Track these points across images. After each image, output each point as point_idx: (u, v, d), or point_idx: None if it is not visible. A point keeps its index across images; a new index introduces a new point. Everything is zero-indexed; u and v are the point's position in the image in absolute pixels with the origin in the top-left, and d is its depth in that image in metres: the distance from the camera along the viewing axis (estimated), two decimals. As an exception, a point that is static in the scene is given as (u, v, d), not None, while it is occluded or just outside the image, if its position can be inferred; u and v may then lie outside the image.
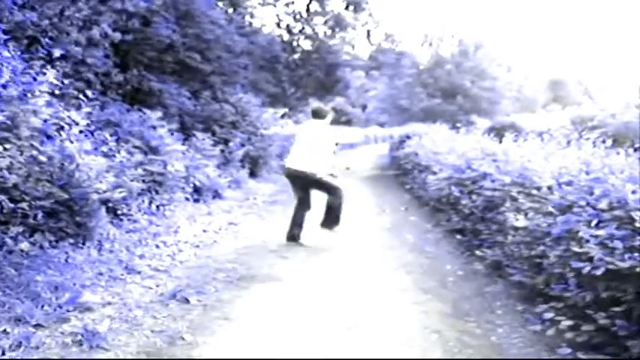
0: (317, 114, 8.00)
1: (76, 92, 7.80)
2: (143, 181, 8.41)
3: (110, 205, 7.30)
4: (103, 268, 5.78)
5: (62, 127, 6.68)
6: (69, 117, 6.83)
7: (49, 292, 4.77)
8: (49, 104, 6.33)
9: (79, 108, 7.36)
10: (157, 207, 8.69)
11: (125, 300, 5.04)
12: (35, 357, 3.76)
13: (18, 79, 5.93)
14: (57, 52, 7.19)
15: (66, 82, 7.02)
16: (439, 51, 29.84)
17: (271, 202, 11.88)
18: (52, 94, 6.41)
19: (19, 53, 6.32)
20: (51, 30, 8.42)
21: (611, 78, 63.12)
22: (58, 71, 6.84)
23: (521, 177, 6.28)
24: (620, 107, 19.44)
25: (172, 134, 10.40)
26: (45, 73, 6.38)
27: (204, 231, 8.30)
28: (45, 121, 6.23)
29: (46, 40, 7.43)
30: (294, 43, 23.64)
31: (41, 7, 8.38)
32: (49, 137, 6.36)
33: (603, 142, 7.46)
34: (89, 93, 7.90)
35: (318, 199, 7.89)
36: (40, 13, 8.27)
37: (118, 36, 10.45)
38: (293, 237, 7.76)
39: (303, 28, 23.45)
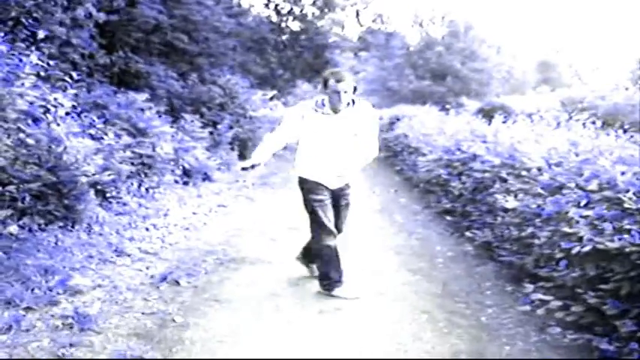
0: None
1: (61, 74, 7.71)
2: (132, 163, 8.36)
3: (99, 187, 7.25)
4: (93, 251, 5.76)
5: (48, 110, 6.61)
6: (55, 99, 6.76)
7: (39, 276, 4.75)
8: (34, 86, 6.26)
9: (65, 90, 7.28)
10: (147, 189, 8.65)
11: (115, 282, 5.03)
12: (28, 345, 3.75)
13: (3, 61, 5.85)
14: (41, 34, 7.09)
15: (51, 63, 6.93)
16: (429, 32, 29.83)
17: (261, 185, 11.86)
18: (37, 75, 6.33)
19: (2, 35, 6.22)
20: (35, 11, 8.29)
21: (601, 60, 63.21)
22: (43, 53, 6.74)
23: (511, 158, 6.29)
24: (609, 89, 19.52)
25: (160, 116, 10.33)
26: (29, 55, 6.29)
27: (194, 213, 8.28)
28: (31, 103, 6.16)
29: (30, 21, 7.33)
30: (283, 24, 23.47)
31: (25, -13, 8.25)
32: (35, 120, 6.30)
33: (593, 123, 7.48)
34: (75, 75, 7.82)
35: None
36: (24, -6, 8.14)
37: (102, 16, 10.31)
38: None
39: (292, 8, 23.25)
